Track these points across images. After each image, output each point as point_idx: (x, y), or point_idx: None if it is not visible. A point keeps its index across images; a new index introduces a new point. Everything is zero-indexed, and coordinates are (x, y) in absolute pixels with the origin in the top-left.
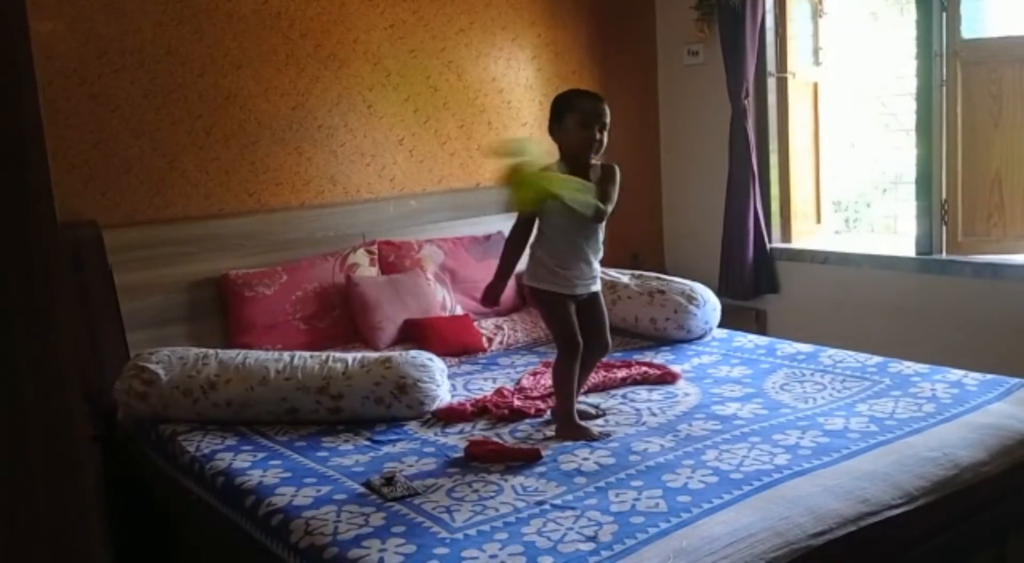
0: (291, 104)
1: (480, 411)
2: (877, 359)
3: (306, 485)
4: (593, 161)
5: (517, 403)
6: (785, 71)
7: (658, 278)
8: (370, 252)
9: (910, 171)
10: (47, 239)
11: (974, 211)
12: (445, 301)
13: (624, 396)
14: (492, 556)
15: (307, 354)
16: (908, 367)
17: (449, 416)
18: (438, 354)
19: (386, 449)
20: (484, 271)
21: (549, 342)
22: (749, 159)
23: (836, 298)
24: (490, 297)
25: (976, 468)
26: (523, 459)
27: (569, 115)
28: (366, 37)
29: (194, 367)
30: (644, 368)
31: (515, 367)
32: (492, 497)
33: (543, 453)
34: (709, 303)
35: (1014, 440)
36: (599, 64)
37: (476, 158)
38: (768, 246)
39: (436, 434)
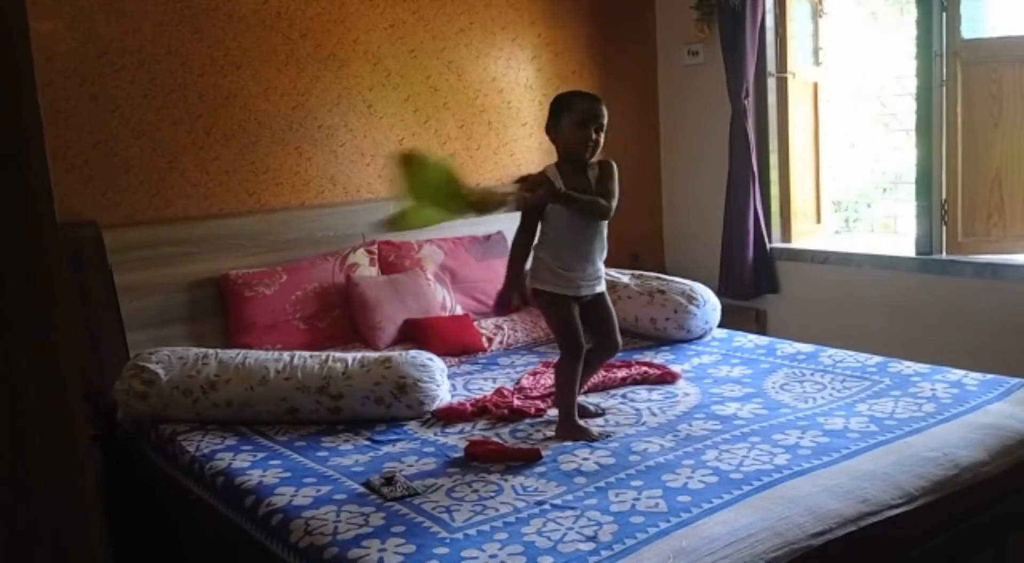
0: (291, 104)
1: (480, 411)
2: (877, 359)
3: (306, 485)
4: (591, 160)
5: (517, 403)
6: (785, 71)
7: (658, 278)
8: (370, 252)
9: (910, 171)
10: (47, 239)
11: (974, 211)
12: (445, 301)
13: (624, 396)
14: (492, 556)
15: (307, 354)
16: (908, 367)
17: (449, 416)
18: (438, 354)
19: (386, 449)
20: (484, 271)
21: (549, 342)
22: (749, 159)
23: (836, 298)
24: (501, 304)
25: (976, 468)
26: (523, 459)
27: (565, 115)
28: (366, 37)
29: (194, 367)
30: (644, 368)
31: (515, 367)
32: (492, 497)
33: (543, 453)
34: (709, 303)
35: (1014, 440)
36: (599, 64)
37: (476, 158)
38: (768, 246)
39: (436, 434)
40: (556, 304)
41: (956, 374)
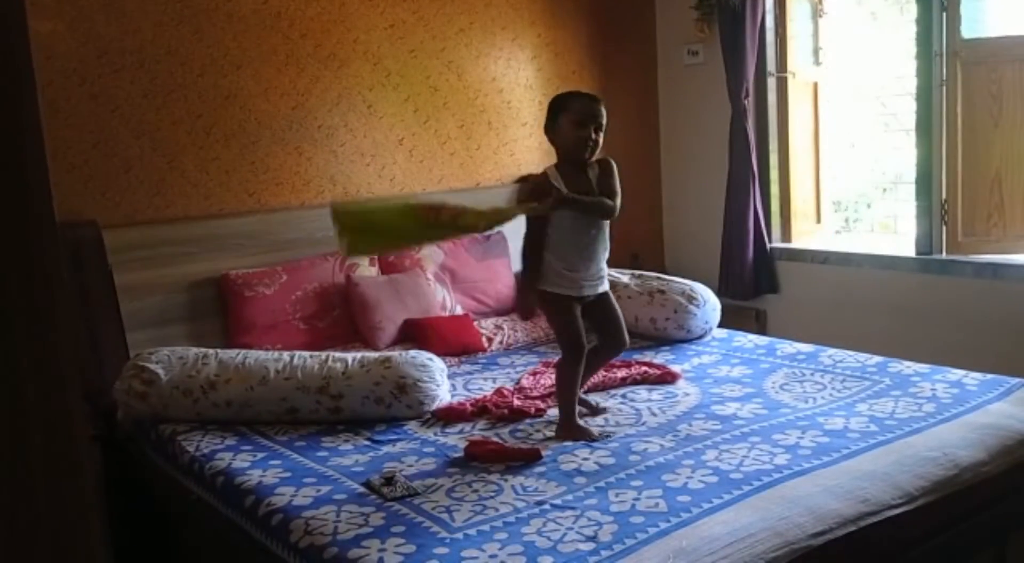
0: (291, 104)
1: (480, 411)
2: (877, 359)
3: (306, 485)
4: (590, 160)
5: (517, 403)
6: (785, 71)
7: (658, 278)
8: None
9: (910, 171)
10: (47, 239)
11: (974, 211)
12: (445, 301)
13: (624, 396)
14: (492, 556)
15: (307, 354)
16: (908, 367)
17: (449, 416)
18: (438, 354)
19: (386, 449)
20: (484, 271)
21: (549, 342)
22: (749, 159)
23: (836, 298)
24: (522, 310)
25: (976, 468)
26: (523, 459)
27: (563, 116)
28: (366, 37)
29: (194, 367)
30: (644, 368)
31: (515, 367)
32: (492, 497)
33: (543, 453)
34: (709, 303)
35: (1014, 440)
36: (599, 64)
37: (476, 158)
38: (768, 246)
39: (436, 434)
40: (558, 304)
41: (956, 374)
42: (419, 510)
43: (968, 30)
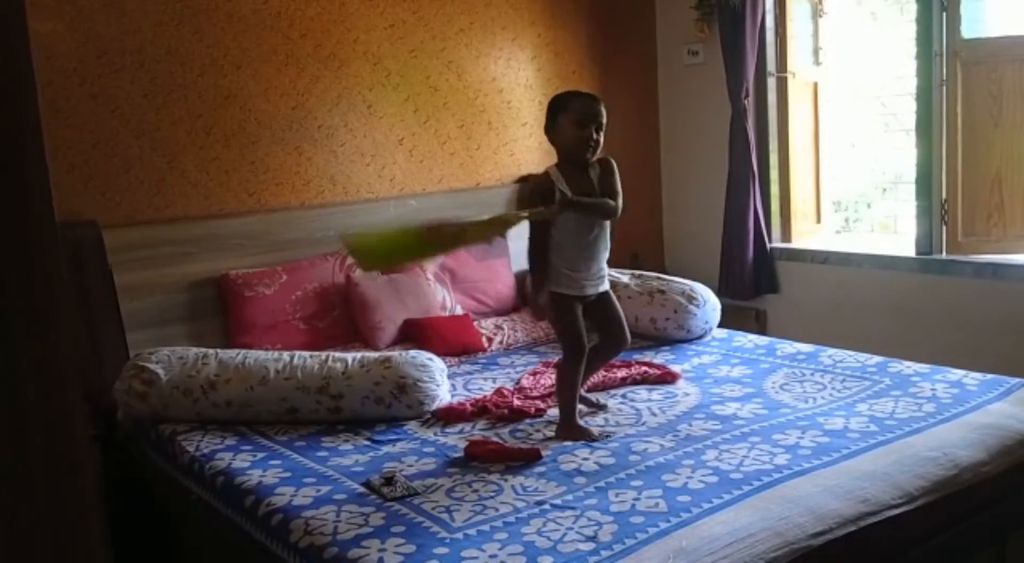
0: (291, 104)
1: (480, 411)
2: (877, 359)
3: (306, 485)
4: (591, 160)
5: (517, 403)
6: (785, 71)
7: (658, 278)
8: None
9: (910, 171)
10: (47, 239)
11: (974, 211)
12: (445, 301)
13: (624, 396)
14: (492, 556)
15: (307, 354)
16: (908, 367)
17: (449, 416)
18: (438, 354)
19: (386, 449)
20: (484, 271)
21: (549, 342)
22: (749, 159)
23: (836, 298)
24: (535, 311)
25: (976, 468)
26: (523, 459)
27: (563, 115)
28: (366, 37)
29: (194, 367)
30: (644, 368)
31: (515, 367)
32: (492, 497)
33: (543, 453)
34: (709, 303)
35: (1014, 440)
36: (599, 64)
37: (476, 158)
38: (768, 246)
39: (436, 434)
40: (561, 304)
41: (956, 374)
42: (419, 510)
43: (968, 30)
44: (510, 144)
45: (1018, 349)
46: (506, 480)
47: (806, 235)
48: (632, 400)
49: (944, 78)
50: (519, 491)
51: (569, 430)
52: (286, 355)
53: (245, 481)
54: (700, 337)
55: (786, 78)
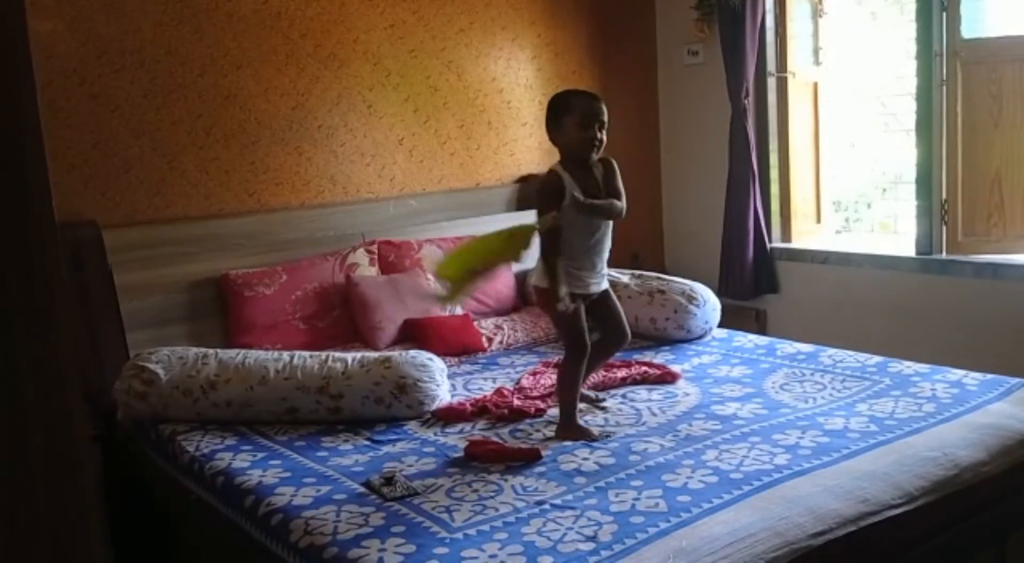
0: (291, 104)
1: (480, 411)
2: (877, 359)
3: (306, 485)
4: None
5: (517, 403)
6: (785, 71)
7: (658, 278)
8: (370, 252)
9: (910, 171)
10: (47, 239)
11: (974, 211)
12: None
13: (624, 396)
14: (492, 556)
15: (307, 354)
16: (908, 367)
17: (449, 416)
18: (438, 354)
19: (386, 449)
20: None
21: (549, 342)
22: (749, 159)
23: (836, 298)
24: (559, 307)
25: (976, 468)
26: (523, 459)
27: (567, 117)
28: (366, 37)
29: (194, 367)
30: (644, 368)
31: (515, 367)
32: (492, 497)
33: (543, 453)
34: (709, 303)
35: (1014, 440)
36: (599, 64)
37: (476, 158)
38: (768, 246)
39: (436, 434)
40: None
41: (956, 374)
42: (419, 510)
43: (968, 30)
44: (510, 144)
45: (1018, 349)
46: (506, 480)
47: (806, 235)
48: (632, 400)
49: (944, 78)
50: (519, 491)
51: (569, 430)
52: (286, 355)
53: (245, 481)
54: (700, 337)
55: (786, 78)
